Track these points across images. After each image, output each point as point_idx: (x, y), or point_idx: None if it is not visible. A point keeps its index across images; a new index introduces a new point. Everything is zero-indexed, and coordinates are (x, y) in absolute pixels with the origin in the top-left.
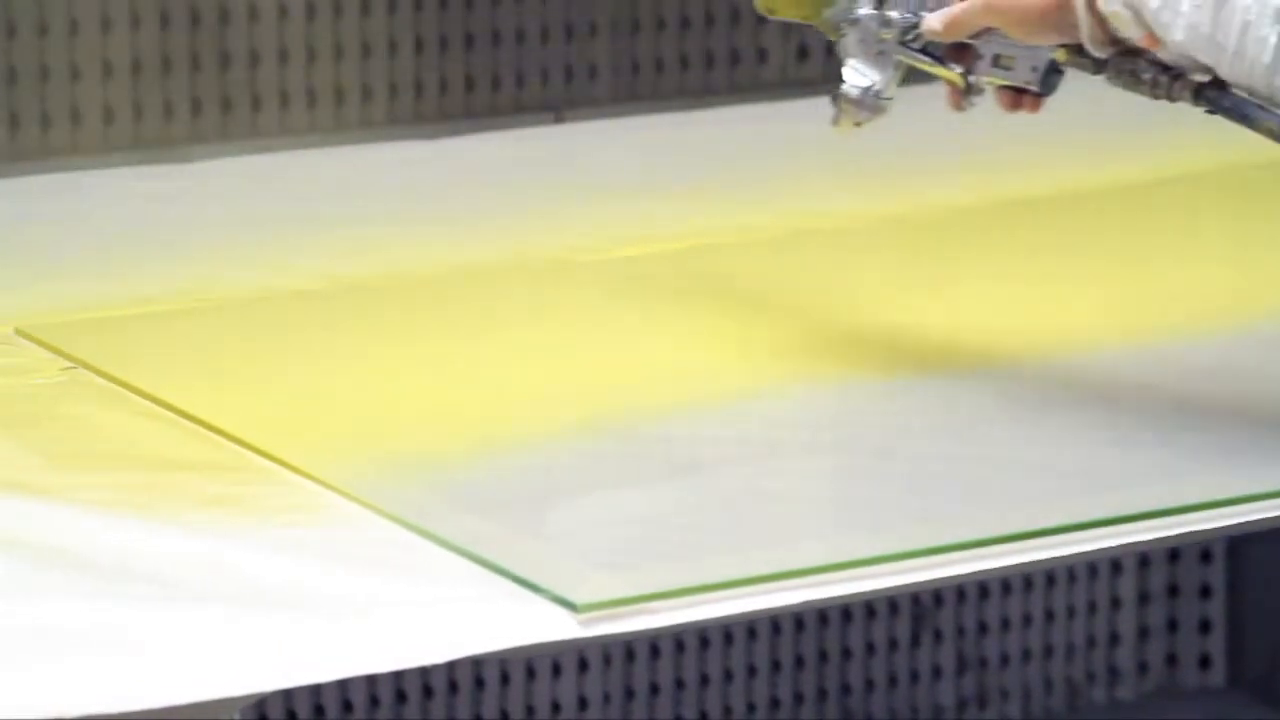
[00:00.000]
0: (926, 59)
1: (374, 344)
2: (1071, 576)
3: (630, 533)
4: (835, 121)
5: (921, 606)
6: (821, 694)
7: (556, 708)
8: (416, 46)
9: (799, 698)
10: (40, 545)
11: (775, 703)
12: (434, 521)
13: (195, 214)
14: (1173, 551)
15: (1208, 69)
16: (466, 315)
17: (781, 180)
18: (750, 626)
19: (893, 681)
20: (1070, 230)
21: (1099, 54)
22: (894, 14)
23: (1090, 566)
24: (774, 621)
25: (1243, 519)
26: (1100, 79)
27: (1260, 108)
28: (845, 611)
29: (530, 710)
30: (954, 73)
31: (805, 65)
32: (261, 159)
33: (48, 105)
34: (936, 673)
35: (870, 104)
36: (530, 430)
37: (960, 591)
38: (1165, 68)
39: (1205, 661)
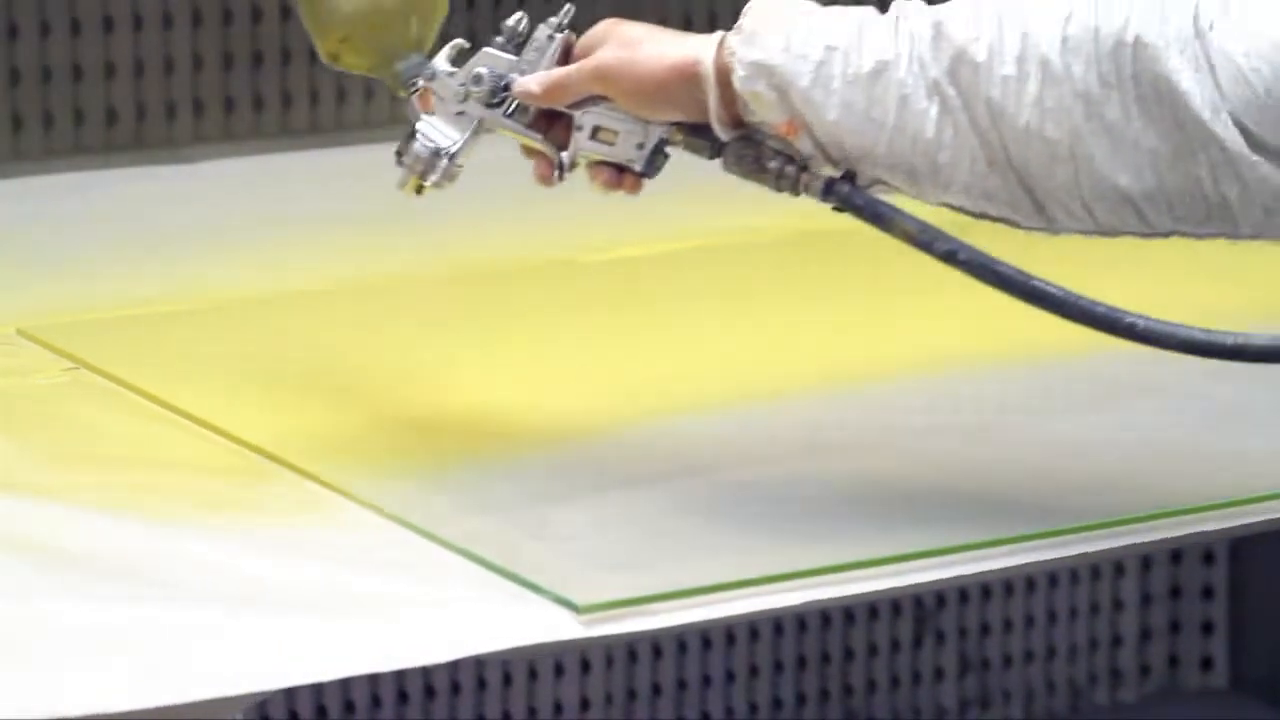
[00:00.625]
0: (513, 125)
1: (375, 344)
2: (1074, 578)
3: (632, 534)
4: (401, 184)
5: (924, 608)
6: (824, 695)
7: (559, 708)
8: None
9: (801, 698)
10: (40, 545)
11: (778, 703)
12: (435, 522)
13: (197, 215)
14: (1175, 553)
15: (841, 161)
16: (467, 316)
17: None
18: (752, 627)
19: (895, 682)
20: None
21: (725, 136)
22: (483, 71)
23: (1092, 568)
24: (776, 622)
25: (1245, 520)
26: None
27: (894, 209)
28: (848, 612)
29: (532, 711)
30: (543, 144)
31: None
32: (264, 159)
33: (50, 105)
34: (939, 674)
35: (442, 168)
36: (532, 430)
37: (963, 592)
38: (790, 158)
39: (1207, 663)
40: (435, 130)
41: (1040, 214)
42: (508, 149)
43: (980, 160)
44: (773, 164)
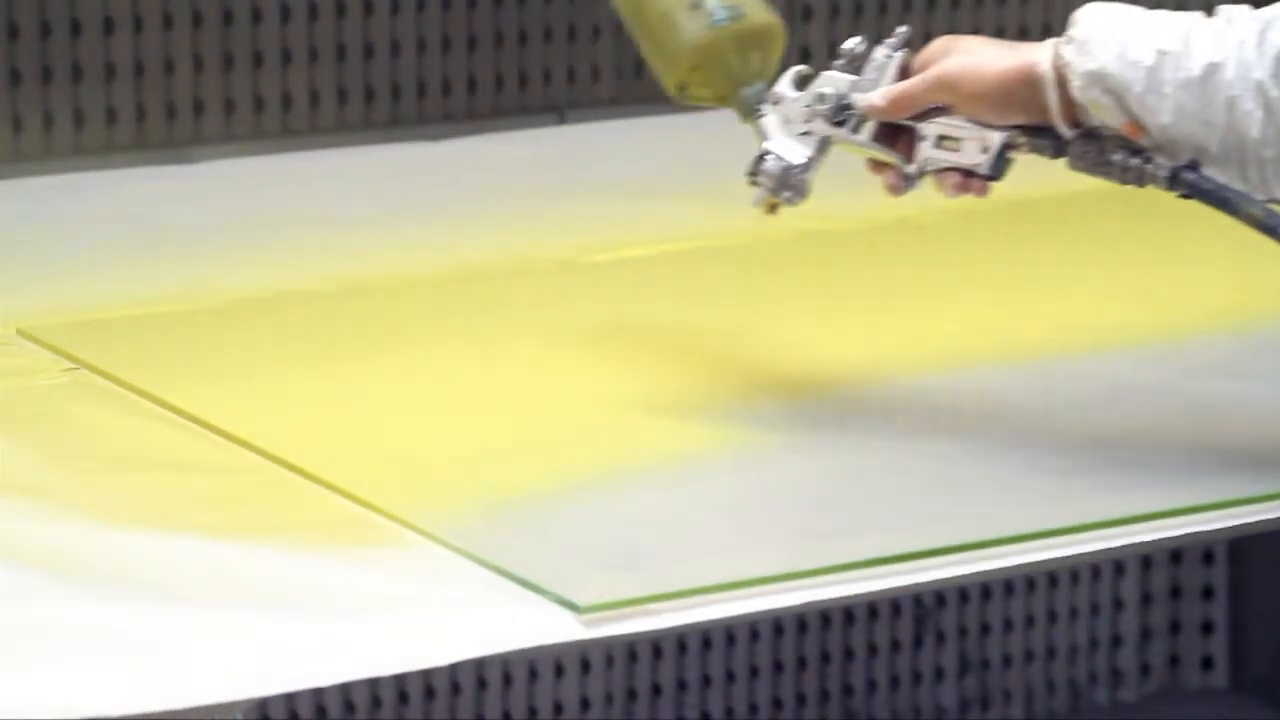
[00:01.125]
0: (859, 139)
1: (376, 345)
2: (1074, 578)
3: (632, 534)
4: (756, 202)
5: (924, 607)
6: (824, 695)
7: (559, 708)
8: (419, 47)
9: (801, 699)
10: (40, 546)
11: (778, 703)
12: (436, 523)
13: (198, 215)
14: (1175, 553)
15: (1187, 150)
16: (470, 316)
17: None
18: (753, 627)
19: (895, 682)
20: (1069, 232)
21: (1067, 134)
22: (827, 90)
23: (1093, 568)
24: (776, 622)
25: (1245, 520)
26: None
27: (1241, 194)
28: (848, 612)
29: (533, 711)
30: (891, 155)
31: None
32: (264, 160)
33: (50, 106)
34: (939, 674)
35: (794, 183)
36: (531, 431)
37: (963, 592)
38: (1135, 151)
39: (1207, 663)
40: (785, 149)
41: None
42: (509, 150)
43: None
44: (1116, 157)
